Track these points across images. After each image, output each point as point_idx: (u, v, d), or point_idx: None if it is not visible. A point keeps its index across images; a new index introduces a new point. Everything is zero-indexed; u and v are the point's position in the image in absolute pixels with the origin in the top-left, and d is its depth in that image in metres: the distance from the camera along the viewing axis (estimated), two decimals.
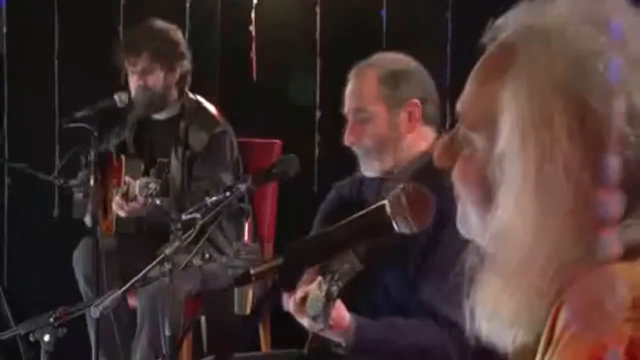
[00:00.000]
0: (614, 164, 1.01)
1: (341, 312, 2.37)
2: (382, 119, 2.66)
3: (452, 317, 2.40)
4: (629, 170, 1.03)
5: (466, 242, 2.55)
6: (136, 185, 3.64)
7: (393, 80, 2.66)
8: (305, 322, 2.32)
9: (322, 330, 2.32)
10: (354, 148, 2.70)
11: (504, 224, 1.07)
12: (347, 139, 2.69)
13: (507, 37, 1.13)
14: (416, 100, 2.66)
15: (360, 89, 2.69)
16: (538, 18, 1.11)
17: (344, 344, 2.41)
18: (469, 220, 1.17)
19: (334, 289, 2.21)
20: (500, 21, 1.14)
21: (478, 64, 1.15)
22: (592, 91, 1.04)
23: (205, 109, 4.05)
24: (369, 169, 2.71)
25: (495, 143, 1.09)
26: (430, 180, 2.46)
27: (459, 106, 1.16)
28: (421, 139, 2.68)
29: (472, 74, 1.15)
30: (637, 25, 1.09)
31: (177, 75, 3.99)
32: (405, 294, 2.52)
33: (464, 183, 1.15)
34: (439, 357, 2.46)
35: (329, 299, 2.21)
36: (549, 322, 1.00)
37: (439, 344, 2.44)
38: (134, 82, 3.97)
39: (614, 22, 1.07)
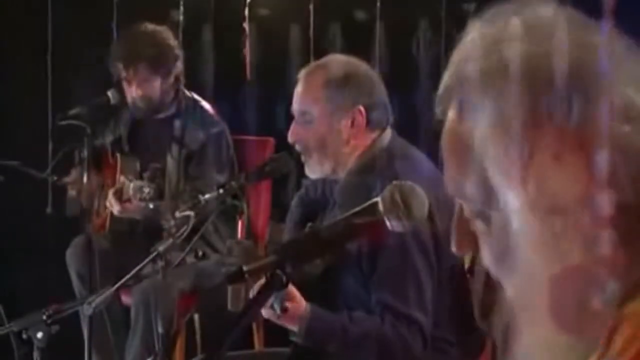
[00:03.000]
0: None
1: (297, 297, 2.40)
2: (324, 123, 2.64)
3: (409, 312, 2.45)
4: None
5: (413, 239, 2.48)
6: (130, 187, 3.62)
7: (338, 85, 2.63)
8: (263, 311, 2.36)
9: (279, 317, 2.36)
10: (296, 147, 2.70)
11: (529, 274, 1.02)
12: (289, 138, 2.70)
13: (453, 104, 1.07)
14: (360, 107, 2.62)
15: (305, 91, 2.68)
16: (463, 68, 1.05)
17: (297, 329, 2.42)
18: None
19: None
20: (440, 91, 1.08)
21: (444, 144, 1.09)
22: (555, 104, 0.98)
23: (202, 107, 4.02)
24: (311, 171, 2.71)
25: (500, 203, 1.03)
26: (370, 178, 2.48)
27: (451, 192, 1.09)
28: (364, 146, 2.65)
29: (445, 156, 1.09)
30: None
31: (172, 78, 3.95)
32: (364, 295, 2.54)
33: (499, 261, 1.07)
34: (399, 351, 2.47)
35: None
36: (602, 341, 0.96)
37: (397, 338, 2.46)
38: (131, 92, 3.91)
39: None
